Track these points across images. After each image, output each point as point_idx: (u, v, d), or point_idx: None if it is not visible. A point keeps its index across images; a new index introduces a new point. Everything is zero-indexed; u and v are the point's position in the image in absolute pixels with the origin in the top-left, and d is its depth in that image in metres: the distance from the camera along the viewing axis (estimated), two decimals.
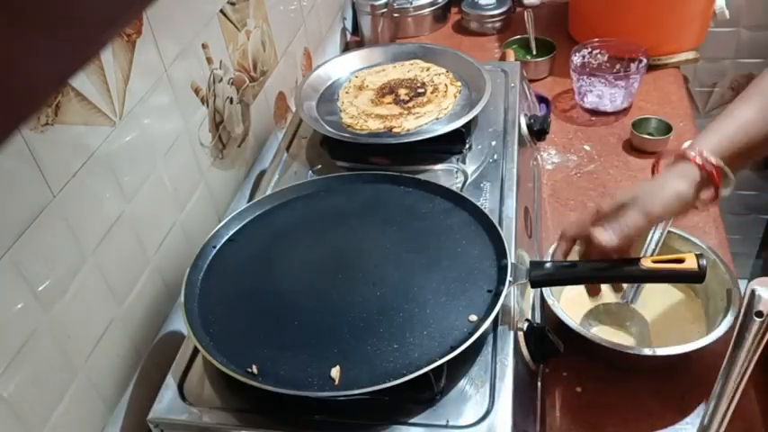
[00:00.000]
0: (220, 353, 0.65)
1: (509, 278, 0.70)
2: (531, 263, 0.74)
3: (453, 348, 0.63)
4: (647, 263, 0.70)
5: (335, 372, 0.62)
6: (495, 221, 0.82)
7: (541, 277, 0.72)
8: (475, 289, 0.71)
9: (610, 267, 0.72)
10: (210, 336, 0.67)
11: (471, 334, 0.65)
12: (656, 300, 0.89)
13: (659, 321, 0.85)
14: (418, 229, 0.79)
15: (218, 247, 0.78)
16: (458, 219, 0.80)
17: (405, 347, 0.65)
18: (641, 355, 0.79)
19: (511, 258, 0.72)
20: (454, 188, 0.88)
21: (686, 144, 0.73)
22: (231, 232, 0.80)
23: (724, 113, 0.74)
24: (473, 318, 0.67)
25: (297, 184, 0.86)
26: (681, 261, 0.69)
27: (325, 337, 0.66)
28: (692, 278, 0.69)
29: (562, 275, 0.73)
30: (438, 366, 0.61)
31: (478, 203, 0.85)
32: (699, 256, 0.69)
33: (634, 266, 0.70)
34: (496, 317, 0.67)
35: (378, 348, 0.65)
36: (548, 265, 0.74)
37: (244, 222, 0.81)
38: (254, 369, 0.63)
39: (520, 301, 0.75)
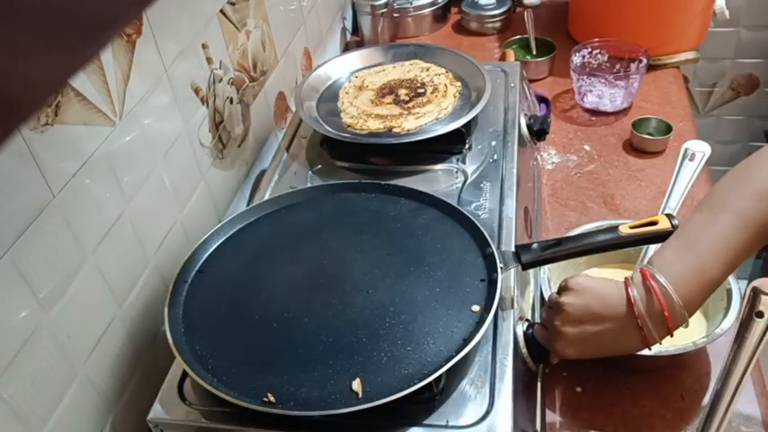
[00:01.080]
0: (229, 387, 0.63)
1: (500, 265, 0.71)
2: (517, 247, 0.75)
3: (467, 341, 0.64)
4: (625, 229, 0.73)
5: (357, 384, 0.62)
6: (495, 221, 0.82)
7: (531, 258, 0.73)
8: (468, 281, 0.71)
9: (593, 239, 0.74)
10: (211, 371, 0.64)
11: (479, 324, 0.66)
12: None
13: None
14: (392, 232, 0.79)
15: (189, 280, 0.74)
16: (428, 216, 0.80)
17: (417, 348, 0.65)
18: (641, 355, 0.79)
19: (494, 246, 0.73)
20: (453, 188, 0.88)
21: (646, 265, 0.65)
22: (199, 263, 0.76)
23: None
24: (475, 308, 0.68)
25: (256, 205, 0.84)
26: (655, 223, 0.72)
27: (334, 352, 0.65)
28: (668, 236, 0.72)
29: (550, 254, 0.74)
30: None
31: (478, 203, 0.85)
32: (669, 216, 0.72)
33: (615, 234, 0.73)
34: (497, 306, 0.67)
35: (390, 354, 0.64)
36: (534, 246, 0.74)
37: (210, 251, 0.78)
38: (271, 397, 0.61)
39: (520, 300, 0.75)
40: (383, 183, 0.85)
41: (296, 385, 0.63)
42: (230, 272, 0.76)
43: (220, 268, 0.76)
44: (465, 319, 0.67)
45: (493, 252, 0.73)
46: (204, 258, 0.77)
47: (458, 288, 0.71)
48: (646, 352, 0.79)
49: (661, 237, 0.72)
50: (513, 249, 0.75)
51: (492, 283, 0.70)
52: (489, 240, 0.74)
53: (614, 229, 0.73)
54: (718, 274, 0.63)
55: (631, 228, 0.73)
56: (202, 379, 0.63)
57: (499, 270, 0.71)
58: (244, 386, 0.63)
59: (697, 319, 0.87)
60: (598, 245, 0.74)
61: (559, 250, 0.74)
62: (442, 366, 0.61)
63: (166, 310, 0.70)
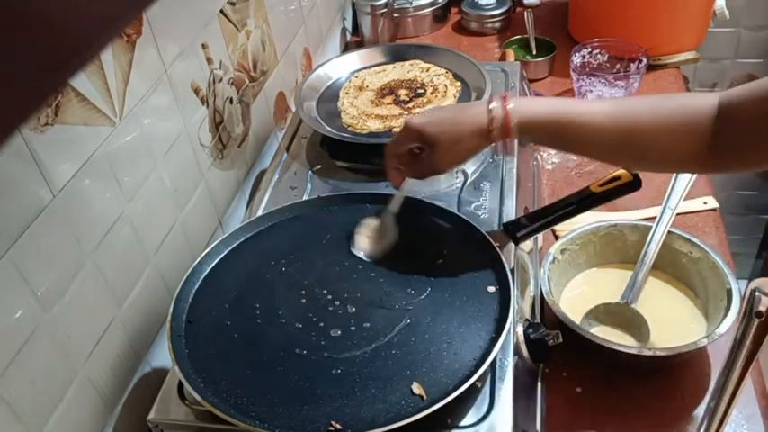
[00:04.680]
0: (290, 428, 0.59)
1: (495, 244, 0.73)
2: (504, 225, 0.78)
3: (500, 321, 0.65)
4: (595, 188, 0.79)
5: (417, 387, 0.61)
6: (495, 221, 0.82)
7: (522, 231, 0.77)
8: (471, 266, 0.72)
9: (572, 200, 0.79)
10: (256, 417, 0.60)
11: (503, 303, 0.67)
12: (656, 300, 0.89)
13: (659, 321, 0.85)
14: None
15: (182, 334, 0.69)
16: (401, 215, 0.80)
17: (455, 339, 0.65)
18: (641, 355, 0.79)
19: (482, 230, 0.75)
20: (454, 188, 0.88)
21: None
22: (185, 313, 0.71)
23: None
24: (491, 289, 0.69)
25: (220, 241, 0.79)
26: (619, 178, 0.79)
27: (380, 363, 0.64)
28: (633, 187, 0.78)
29: (539, 224, 0.78)
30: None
31: (478, 203, 0.85)
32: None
33: (588, 194, 0.79)
34: (516, 282, 0.69)
35: (433, 351, 0.64)
36: (522, 219, 0.78)
37: (189, 298, 0.73)
38: (336, 425, 0.59)
39: (520, 300, 0.75)
40: (345, 193, 0.84)
41: (356, 406, 0.61)
42: (223, 318, 0.71)
43: (209, 318, 0.71)
44: (486, 301, 0.68)
45: (484, 235, 0.74)
46: (187, 309, 0.72)
47: (465, 275, 0.71)
48: (646, 352, 0.79)
49: (628, 187, 0.78)
50: (500, 228, 0.77)
51: (496, 263, 0.71)
52: (475, 225, 0.75)
53: (587, 189, 0.80)
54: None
55: (600, 185, 0.79)
56: (238, 419, 0.60)
57: (496, 248, 0.72)
58: (304, 422, 0.60)
59: (697, 319, 0.87)
60: (578, 205, 0.79)
61: (546, 219, 0.77)
62: (491, 348, 0.62)
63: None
